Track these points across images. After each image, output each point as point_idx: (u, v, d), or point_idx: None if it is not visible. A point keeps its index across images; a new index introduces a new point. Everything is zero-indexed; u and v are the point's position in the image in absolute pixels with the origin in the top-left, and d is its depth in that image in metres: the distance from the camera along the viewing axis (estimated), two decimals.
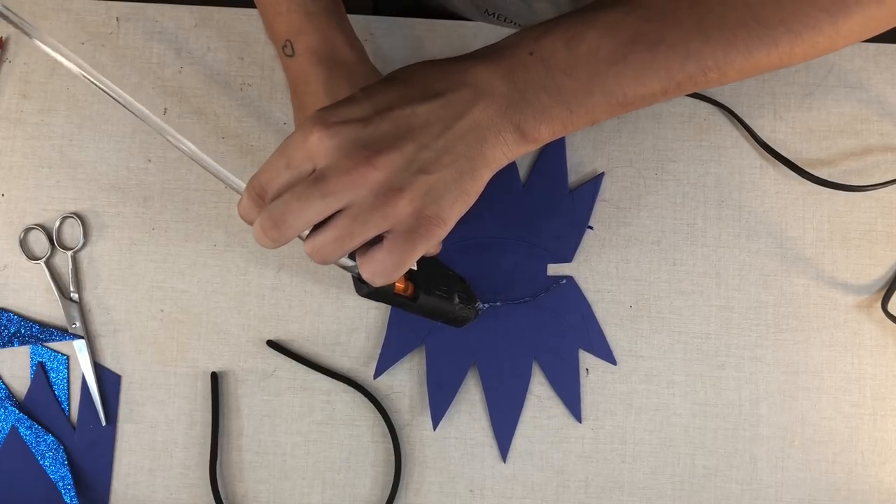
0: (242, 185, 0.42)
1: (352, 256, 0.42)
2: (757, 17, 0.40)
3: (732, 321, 0.58)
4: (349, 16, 0.61)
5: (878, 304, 0.57)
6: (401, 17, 0.61)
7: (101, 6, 0.61)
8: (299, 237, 0.40)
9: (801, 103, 0.60)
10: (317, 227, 0.40)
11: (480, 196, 0.54)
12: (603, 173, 0.59)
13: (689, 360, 0.57)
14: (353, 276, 0.44)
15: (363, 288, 0.44)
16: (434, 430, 0.57)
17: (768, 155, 0.59)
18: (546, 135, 0.40)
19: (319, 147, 0.38)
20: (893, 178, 0.58)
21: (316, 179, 0.38)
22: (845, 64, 0.60)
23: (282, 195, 0.39)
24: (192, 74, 0.60)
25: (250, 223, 0.41)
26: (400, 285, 0.45)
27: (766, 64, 0.41)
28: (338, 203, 0.38)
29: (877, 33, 0.43)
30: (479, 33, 0.61)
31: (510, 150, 0.40)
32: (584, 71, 0.40)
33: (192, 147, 0.42)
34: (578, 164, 0.59)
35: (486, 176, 0.41)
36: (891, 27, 0.43)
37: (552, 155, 0.59)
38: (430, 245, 0.41)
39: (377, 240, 0.40)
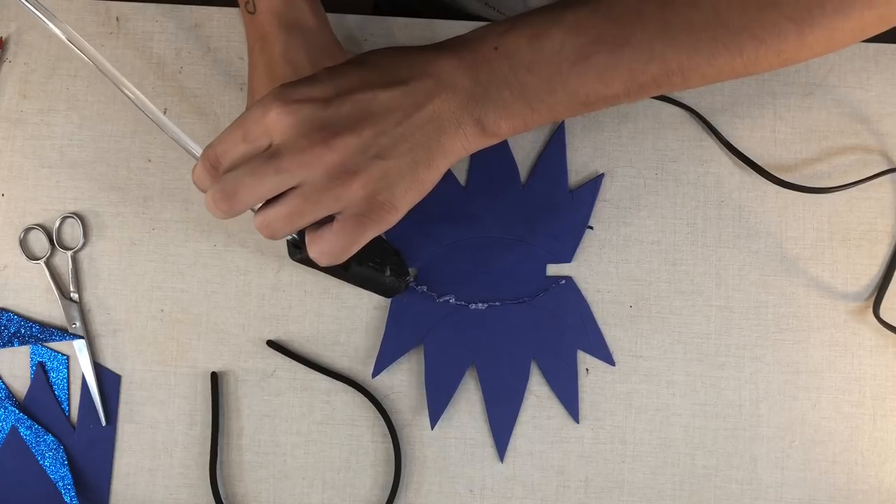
0: (200, 150, 0.42)
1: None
2: (723, 22, 0.40)
3: (732, 321, 0.58)
4: (349, 15, 0.61)
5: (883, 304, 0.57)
6: (401, 17, 0.61)
7: (101, 6, 0.61)
8: (251, 210, 0.40)
9: (801, 103, 0.60)
10: (268, 203, 0.40)
11: (480, 196, 0.54)
12: (603, 174, 0.59)
13: (689, 360, 0.57)
14: (287, 241, 0.45)
15: (296, 253, 0.44)
16: (432, 429, 0.57)
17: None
18: (506, 130, 0.41)
19: (277, 123, 0.38)
20: (870, 175, 0.58)
21: (270, 155, 0.38)
22: (845, 64, 0.60)
23: (236, 168, 0.39)
24: (192, 74, 0.60)
25: (203, 191, 0.41)
26: None
27: (731, 70, 0.41)
28: (291, 181, 0.39)
29: (843, 47, 0.43)
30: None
31: (469, 143, 0.41)
32: (546, 69, 0.40)
33: (152, 107, 0.43)
34: (578, 165, 0.59)
35: (442, 167, 0.41)
36: (858, 41, 0.43)
37: (552, 155, 0.59)
38: (380, 230, 0.41)
39: (327, 220, 0.40)
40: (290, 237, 0.43)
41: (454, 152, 0.41)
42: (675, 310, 0.58)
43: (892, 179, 0.59)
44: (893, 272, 0.58)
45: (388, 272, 0.51)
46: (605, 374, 0.57)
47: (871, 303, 0.58)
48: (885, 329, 0.57)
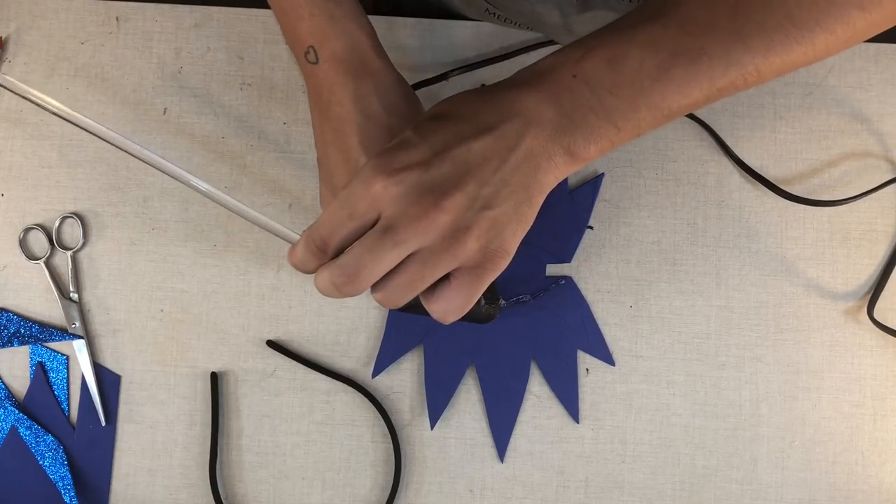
0: (295, 235, 0.43)
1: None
2: (793, 20, 0.40)
3: (732, 321, 0.58)
4: None
5: (878, 304, 0.57)
6: (400, 17, 0.61)
7: (101, 6, 0.61)
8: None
9: (801, 103, 0.60)
10: (386, 274, 0.40)
11: None
12: (603, 173, 0.59)
13: (689, 360, 0.57)
14: None
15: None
16: (431, 429, 0.57)
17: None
18: (595, 153, 0.41)
19: (385, 195, 0.38)
20: (872, 187, 0.58)
21: (385, 229, 0.38)
22: (845, 64, 0.60)
23: (350, 248, 0.39)
24: (192, 74, 0.60)
25: (305, 272, 0.42)
26: None
27: (804, 62, 0.42)
28: (408, 250, 0.39)
29: None
30: (479, 33, 0.61)
31: (560, 172, 0.41)
32: (628, 89, 0.40)
33: (235, 202, 0.43)
34: None
35: (540, 201, 0.41)
36: None
37: None
38: (495, 276, 0.41)
39: (442, 278, 0.41)
40: None
41: (549, 184, 0.41)
42: (675, 310, 0.58)
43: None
44: (890, 273, 0.58)
45: (482, 301, 0.50)
46: (605, 374, 0.57)
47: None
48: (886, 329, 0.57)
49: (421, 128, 0.40)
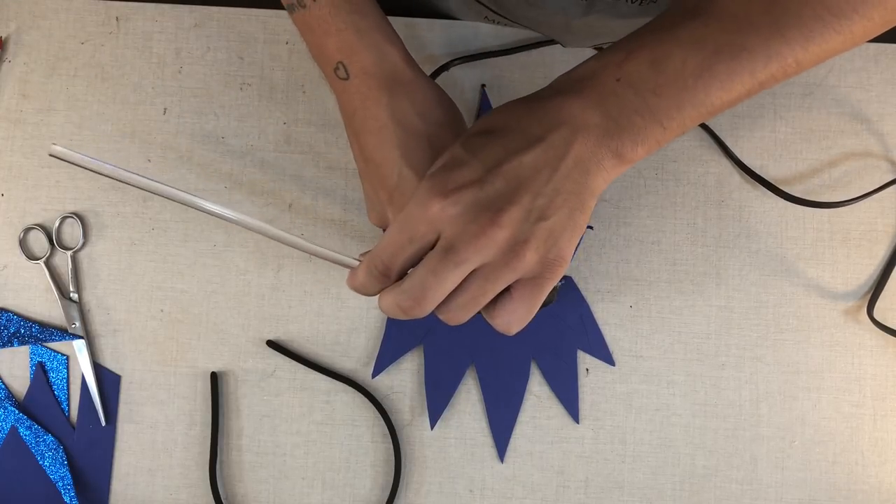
0: (352, 260, 0.44)
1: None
2: (830, 9, 0.40)
3: (732, 321, 0.58)
4: None
5: (878, 304, 0.57)
6: (401, 17, 0.61)
7: (101, 6, 0.61)
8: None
9: (801, 103, 0.60)
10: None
11: None
12: None
13: (689, 360, 0.57)
14: None
15: None
16: (431, 429, 0.57)
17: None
18: (643, 153, 0.41)
19: (443, 216, 0.39)
20: (874, 188, 0.58)
21: (446, 250, 0.39)
22: (845, 64, 0.60)
23: (413, 271, 0.40)
24: (192, 74, 0.60)
25: (367, 295, 0.43)
26: None
27: (842, 49, 0.42)
28: (470, 268, 0.39)
29: None
30: (479, 33, 0.61)
31: (609, 174, 0.41)
32: (672, 88, 0.40)
33: (297, 239, 0.44)
34: None
35: (591, 205, 0.41)
36: None
37: None
38: (554, 283, 0.41)
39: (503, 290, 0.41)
40: None
41: (599, 188, 0.41)
42: (675, 310, 0.58)
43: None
44: (890, 273, 0.58)
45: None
46: (605, 374, 0.57)
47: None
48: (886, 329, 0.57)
49: (470, 144, 0.41)
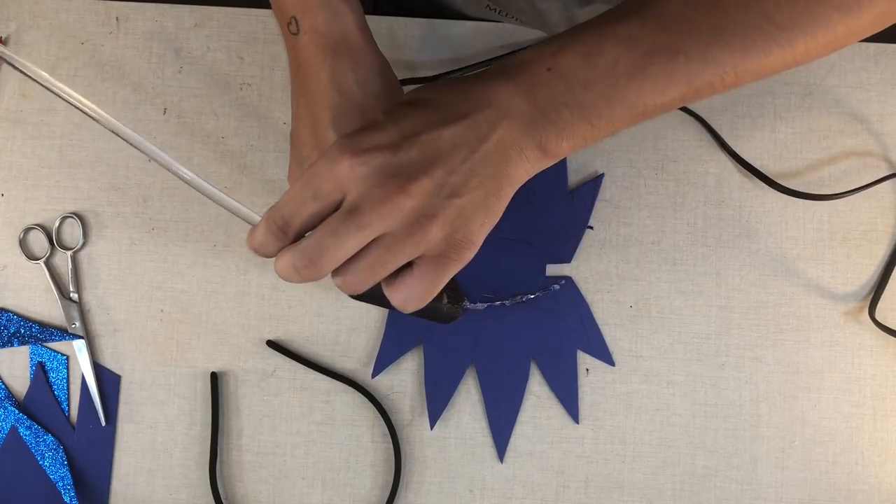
0: (256, 216, 0.41)
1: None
2: (773, 20, 0.40)
3: (732, 321, 0.58)
4: None
5: (879, 305, 0.57)
6: (401, 17, 0.61)
7: (101, 6, 0.61)
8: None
9: (801, 103, 0.60)
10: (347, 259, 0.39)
11: None
12: (603, 174, 0.59)
13: (689, 360, 0.57)
14: None
15: (360, 295, 0.43)
16: (431, 429, 0.57)
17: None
18: (567, 149, 0.40)
19: (350, 176, 0.37)
20: (866, 183, 0.58)
21: (349, 212, 0.37)
22: (845, 64, 0.60)
23: (313, 231, 0.38)
24: (192, 74, 0.60)
25: (266, 256, 0.40)
26: None
27: (782, 65, 0.41)
28: (372, 234, 0.38)
29: (888, 24, 0.43)
30: (479, 33, 0.60)
31: (532, 166, 0.40)
32: (603, 85, 0.39)
33: (194, 176, 0.42)
34: (579, 165, 0.59)
35: (509, 194, 0.40)
36: None
37: None
38: (460, 267, 0.40)
39: (405, 266, 0.40)
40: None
41: (519, 177, 0.40)
42: (675, 310, 0.58)
43: (893, 180, 0.59)
44: (890, 274, 0.58)
45: (444, 299, 0.49)
46: (605, 374, 0.57)
47: (870, 303, 0.58)
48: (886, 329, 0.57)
49: (393, 112, 0.40)
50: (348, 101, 0.45)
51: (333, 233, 0.38)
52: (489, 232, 0.40)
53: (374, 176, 0.37)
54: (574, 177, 0.59)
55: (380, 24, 0.61)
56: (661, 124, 0.59)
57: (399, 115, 0.39)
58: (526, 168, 0.40)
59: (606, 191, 0.59)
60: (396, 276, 0.40)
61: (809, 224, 0.59)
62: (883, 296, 0.57)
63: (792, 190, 0.57)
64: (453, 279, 0.48)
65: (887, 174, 0.59)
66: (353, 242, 0.38)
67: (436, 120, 0.39)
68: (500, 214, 0.40)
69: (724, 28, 0.40)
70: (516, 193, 0.57)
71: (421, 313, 0.48)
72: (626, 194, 0.59)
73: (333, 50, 0.46)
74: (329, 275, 0.40)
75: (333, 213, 0.38)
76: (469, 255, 0.40)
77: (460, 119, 0.38)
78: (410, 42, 0.61)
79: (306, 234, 0.39)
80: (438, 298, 0.48)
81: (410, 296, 0.40)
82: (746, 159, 0.59)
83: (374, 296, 0.43)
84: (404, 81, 0.58)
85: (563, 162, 0.59)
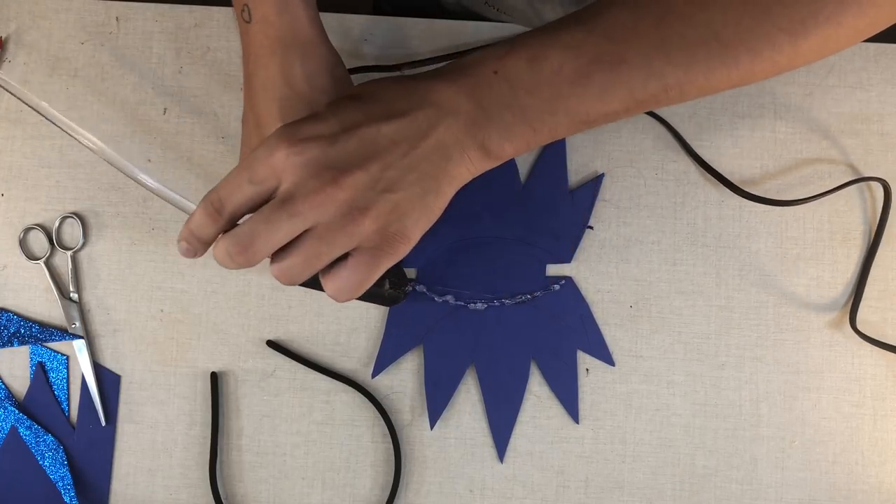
0: (191, 205, 0.42)
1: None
2: (717, 36, 0.40)
3: (732, 321, 0.58)
4: (349, 16, 0.61)
5: (878, 304, 0.57)
6: (401, 17, 0.61)
7: (101, 6, 0.61)
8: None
9: (801, 103, 0.60)
10: (282, 249, 0.40)
11: (480, 195, 0.54)
12: (603, 174, 0.59)
13: (689, 360, 0.57)
14: None
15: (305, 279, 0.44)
16: (431, 429, 0.57)
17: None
18: (510, 151, 0.41)
19: (286, 164, 0.38)
20: (834, 187, 0.58)
21: (283, 201, 0.38)
22: (845, 64, 0.60)
23: (247, 218, 0.39)
24: (192, 74, 0.60)
25: (202, 240, 0.41)
26: None
27: (727, 82, 0.42)
28: (304, 224, 0.39)
29: (837, 51, 0.43)
30: (479, 33, 0.60)
31: (474, 166, 0.41)
32: (547, 91, 0.40)
33: (134, 170, 0.43)
34: (579, 165, 0.59)
35: (449, 193, 0.41)
36: (851, 45, 0.44)
37: (552, 155, 0.59)
38: (394, 261, 0.41)
39: (341, 257, 0.40)
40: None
41: (460, 177, 0.41)
42: (675, 310, 0.58)
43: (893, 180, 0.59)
44: (866, 280, 0.57)
45: (387, 285, 0.51)
46: (605, 374, 0.57)
47: (871, 303, 0.58)
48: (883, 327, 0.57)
49: (335, 104, 0.40)
50: (296, 94, 0.46)
51: (266, 220, 0.38)
52: (426, 228, 0.41)
53: (310, 166, 0.38)
54: (574, 177, 0.59)
55: (380, 25, 0.61)
56: (660, 124, 0.59)
57: (341, 107, 0.40)
58: (468, 167, 0.41)
59: (606, 191, 0.59)
60: (332, 267, 0.41)
61: (809, 224, 0.59)
62: (861, 304, 0.57)
63: (759, 197, 0.57)
64: (396, 264, 0.49)
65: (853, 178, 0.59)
66: (285, 230, 0.38)
67: (377, 114, 0.39)
68: (440, 212, 0.41)
69: (669, 41, 0.40)
70: (516, 194, 0.58)
71: (364, 297, 0.50)
72: (626, 194, 0.59)
73: (283, 42, 0.46)
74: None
75: (268, 201, 0.39)
76: (404, 249, 0.41)
77: (401, 115, 0.39)
78: (410, 42, 0.61)
79: (239, 222, 0.40)
80: (380, 284, 0.50)
81: (343, 286, 0.41)
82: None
83: (315, 282, 0.43)
84: (355, 70, 0.58)
85: (563, 162, 0.59)
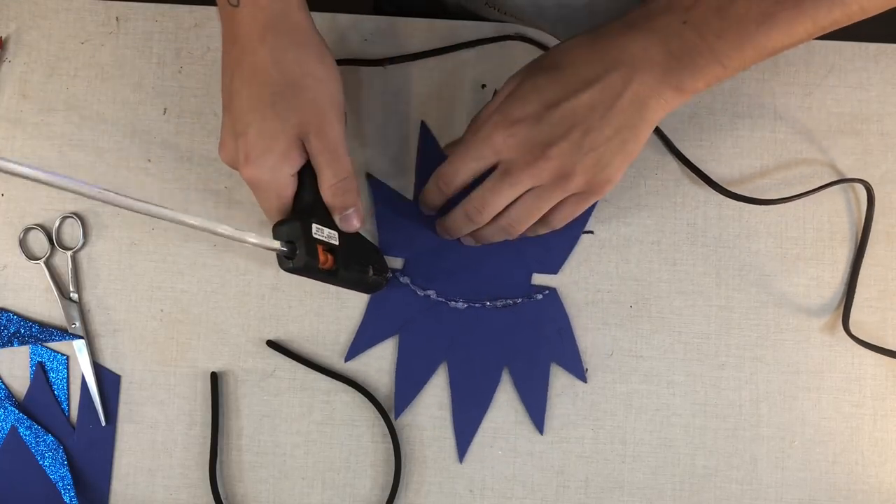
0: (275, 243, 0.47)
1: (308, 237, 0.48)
2: None
3: (732, 321, 0.58)
4: (349, 15, 0.61)
5: (878, 304, 0.57)
6: (401, 17, 0.61)
7: (101, 6, 0.61)
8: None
9: (801, 103, 0.60)
10: (504, 209, 0.48)
11: None
12: None
13: (689, 360, 0.57)
14: (277, 255, 0.48)
15: (287, 263, 0.48)
16: (395, 419, 0.56)
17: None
18: (702, 87, 0.44)
19: (503, 146, 0.45)
20: (813, 188, 0.58)
21: (504, 173, 0.46)
22: (845, 64, 0.60)
23: (476, 189, 0.47)
24: (192, 74, 0.60)
25: (431, 208, 0.52)
26: (322, 259, 0.49)
27: None
28: (522, 189, 0.46)
29: None
30: (479, 33, 0.60)
31: (669, 105, 0.45)
32: (734, 33, 0.43)
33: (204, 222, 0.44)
34: None
35: (646, 133, 0.45)
36: None
37: None
38: (600, 198, 0.48)
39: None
40: (281, 252, 0.47)
41: (656, 117, 0.45)
42: (675, 310, 0.58)
43: (894, 179, 0.59)
44: (855, 284, 0.57)
45: (371, 272, 0.53)
46: (604, 374, 0.57)
47: (870, 303, 0.58)
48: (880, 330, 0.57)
49: (534, 80, 0.45)
50: (287, 79, 0.46)
51: (492, 189, 0.47)
52: (628, 166, 0.46)
53: (522, 145, 0.45)
54: None
55: (380, 25, 0.61)
56: (660, 124, 0.59)
57: (539, 84, 0.45)
58: (664, 108, 0.45)
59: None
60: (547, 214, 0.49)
61: (809, 224, 0.59)
62: (862, 305, 0.57)
63: (731, 192, 0.57)
64: (377, 251, 0.56)
65: (891, 178, 0.59)
66: (508, 195, 0.47)
67: (573, 86, 0.44)
68: (640, 149, 0.46)
69: None
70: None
71: (349, 284, 0.54)
72: (626, 194, 0.59)
73: (274, 27, 0.47)
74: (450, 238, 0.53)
75: (487, 174, 0.47)
76: (608, 189, 0.47)
77: (596, 81, 0.44)
78: (410, 42, 0.61)
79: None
80: (364, 270, 0.53)
81: (556, 223, 0.49)
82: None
83: (305, 269, 0.48)
84: (343, 62, 0.59)
85: None
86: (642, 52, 0.43)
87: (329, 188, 0.49)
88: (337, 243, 0.50)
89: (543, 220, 0.49)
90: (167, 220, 0.43)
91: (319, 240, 0.48)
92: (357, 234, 0.53)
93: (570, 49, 0.46)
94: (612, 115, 0.44)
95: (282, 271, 0.56)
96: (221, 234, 0.45)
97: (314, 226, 0.48)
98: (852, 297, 0.57)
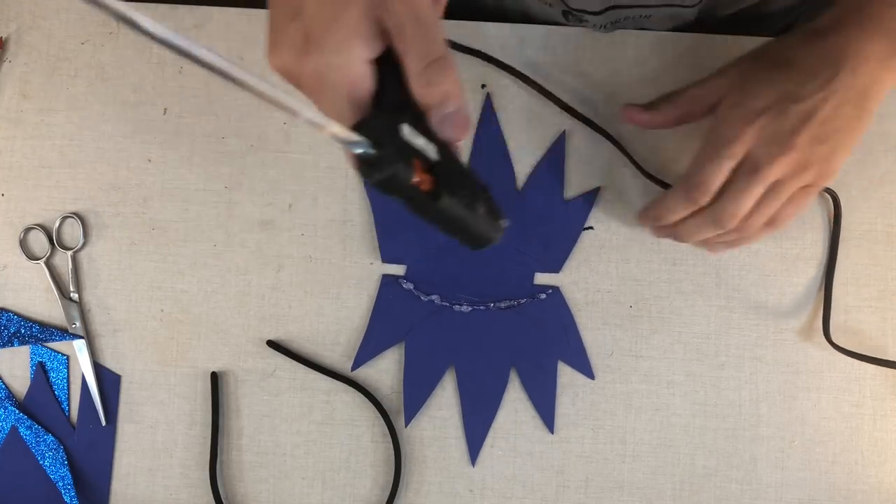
0: (298, 104, 0.35)
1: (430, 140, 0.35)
2: None
3: (732, 321, 0.58)
4: None
5: (878, 304, 0.57)
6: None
7: None
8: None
9: None
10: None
11: None
12: (599, 187, 0.58)
13: (689, 360, 0.57)
14: (359, 162, 0.35)
15: (373, 174, 0.34)
16: (406, 426, 0.56)
17: None
18: None
19: (753, 137, 0.46)
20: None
21: (751, 171, 0.47)
22: None
23: (725, 193, 0.48)
24: (192, 74, 0.60)
25: (668, 220, 0.51)
26: (419, 177, 0.35)
27: None
28: (769, 183, 0.47)
29: None
30: (485, 34, 0.60)
31: (888, 86, 0.47)
32: None
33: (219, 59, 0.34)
34: (579, 165, 0.59)
35: (869, 122, 0.47)
36: None
37: (550, 162, 0.58)
38: (819, 190, 0.49)
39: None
40: (363, 151, 0.34)
41: (879, 99, 0.47)
42: (675, 310, 0.58)
43: (894, 180, 0.59)
44: (831, 293, 0.57)
45: (480, 209, 0.38)
46: (604, 374, 0.57)
47: (870, 303, 0.58)
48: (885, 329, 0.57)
49: (764, 75, 0.48)
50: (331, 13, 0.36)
51: (745, 190, 0.47)
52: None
53: (769, 139, 0.46)
54: (571, 188, 0.59)
55: None
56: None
57: (774, 79, 0.47)
58: (886, 91, 0.47)
59: (606, 190, 0.59)
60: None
61: (809, 224, 0.59)
62: (863, 305, 0.57)
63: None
64: (486, 190, 0.39)
65: (891, 178, 0.59)
66: (756, 193, 0.47)
67: (806, 79, 0.46)
68: (864, 131, 0.48)
69: None
70: (510, 199, 0.58)
71: (450, 222, 0.38)
72: (626, 194, 0.59)
73: None
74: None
75: (737, 173, 0.47)
76: (831, 181, 0.49)
77: (827, 78, 0.46)
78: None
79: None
80: (473, 207, 0.38)
81: (784, 220, 0.50)
82: None
83: (394, 184, 0.35)
84: None
85: (561, 168, 0.58)
86: (863, 47, 0.46)
87: (418, 74, 0.36)
88: (436, 158, 0.36)
89: (771, 219, 0.50)
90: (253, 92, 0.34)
91: (413, 147, 0.35)
92: (459, 160, 0.38)
93: (794, 46, 0.48)
94: (841, 107, 0.46)
95: (282, 271, 0.56)
96: (303, 117, 0.34)
97: (405, 126, 0.35)
98: (829, 304, 0.57)
